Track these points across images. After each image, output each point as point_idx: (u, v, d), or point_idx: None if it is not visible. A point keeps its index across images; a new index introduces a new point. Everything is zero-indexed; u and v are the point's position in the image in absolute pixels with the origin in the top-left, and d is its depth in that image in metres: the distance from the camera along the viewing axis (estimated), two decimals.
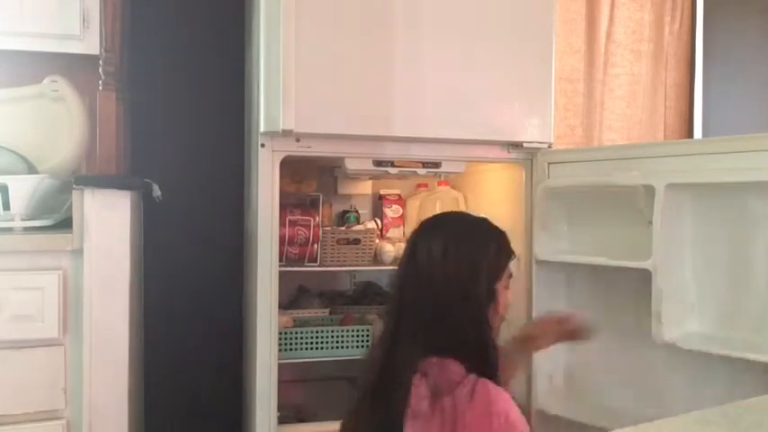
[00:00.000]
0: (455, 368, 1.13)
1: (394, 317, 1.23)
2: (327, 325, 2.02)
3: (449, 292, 1.17)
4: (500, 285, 1.23)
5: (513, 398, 1.13)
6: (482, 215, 1.33)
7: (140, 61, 2.11)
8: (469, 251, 1.20)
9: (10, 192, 1.52)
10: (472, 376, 1.12)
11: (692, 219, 1.61)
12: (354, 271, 2.31)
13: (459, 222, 1.30)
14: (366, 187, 2.37)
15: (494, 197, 2.21)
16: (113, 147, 1.74)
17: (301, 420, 2.04)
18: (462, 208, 2.33)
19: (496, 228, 1.27)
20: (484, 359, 1.15)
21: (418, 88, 1.79)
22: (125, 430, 1.55)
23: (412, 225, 2.31)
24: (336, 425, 1.56)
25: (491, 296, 1.21)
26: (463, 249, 1.20)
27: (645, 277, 1.55)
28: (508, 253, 1.26)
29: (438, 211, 2.28)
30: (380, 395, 1.15)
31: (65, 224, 1.60)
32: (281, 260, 1.84)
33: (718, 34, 2.97)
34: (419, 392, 1.12)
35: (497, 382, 1.14)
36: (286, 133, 1.68)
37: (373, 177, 2.26)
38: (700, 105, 2.96)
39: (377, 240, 2.12)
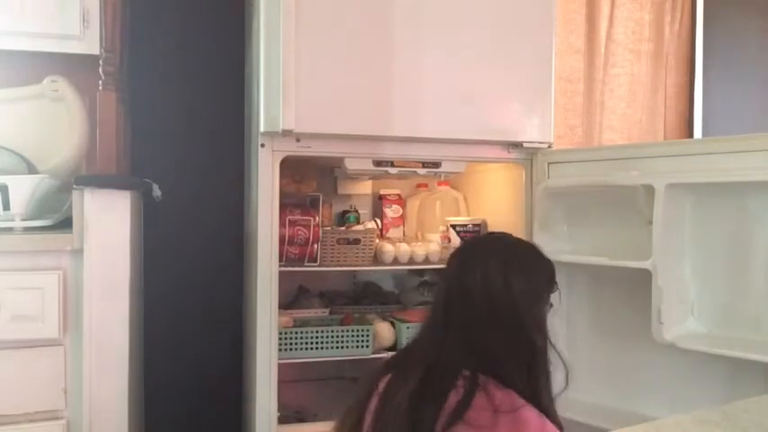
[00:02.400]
0: (515, 397, 1.10)
1: (439, 334, 1.20)
2: (327, 325, 2.02)
3: (507, 316, 1.16)
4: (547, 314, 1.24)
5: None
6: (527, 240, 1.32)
7: (140, 61, 2.11)
8: (529, 278, 1.20)
9: (10, 192, 1.52)
10: (525, 406, 1.10)
11: (692, 219, 1.61)
12: (354, 271, 2.31)
13: (515, 246, 1.28)
14: (366, 187, 2.37)
15: (494, 197, 2.21)
16: (113, 147, 1.73)
17: (301, 420, 2.04)
18: (462, 208, 2.33)
19: (547, 258, 1.28)
20: (535, 384, 1.15)
21: (418, 88, 1.79)
22: (125, 430, 1.55)
23: (412, 225, 2.32)
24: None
25: (543, 323, 1.21)
26: (522, 276, 1.19)
27: (645, 277, 1.55)
28: (555, 284, 1.27)
29: (438, 210, 2.29)
30: (424, 400, 1.11)
31: (65, 224, 1.60)
32: (281, 260, 1.84)
33: (718, 34, 2.97)
34: (477, 404, 1.08)
35: (545, 410, 1.13)
36: (286, 133, 1.68)
37: (373, 177, 2.26)
38: (700, 105, 2.96)
39: (377, 240, 2.12)
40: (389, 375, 1.19)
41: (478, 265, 1.21)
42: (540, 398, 1.14)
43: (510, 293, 1.17)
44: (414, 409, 1.10)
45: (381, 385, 1.19)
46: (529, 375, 1.15)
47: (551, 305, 1.26)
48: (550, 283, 1.25)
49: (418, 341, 1.25)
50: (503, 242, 1.29)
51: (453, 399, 1.08)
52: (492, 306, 1.16)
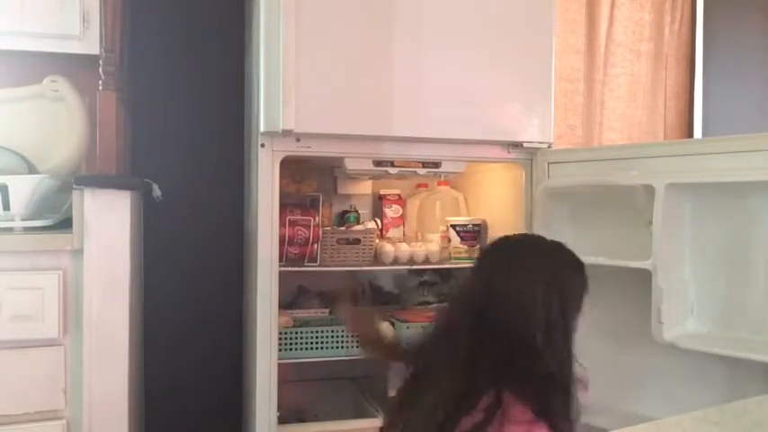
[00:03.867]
0: (529, 412, 1.08)
1: (466, 338, 1.15)
2: (327, 325, 2.02)
3: (538, 323, 1.12)
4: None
5: None
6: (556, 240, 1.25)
7: (140, 61, 2.11)
8: (566, 300, 1.16)
9: (10, 192, 1.52)
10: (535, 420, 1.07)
11: (691, 219, 1.61)
12: (354, 271, 2.31)
13: (557, 263, 1.21)
14: (366, 187, 2.37)
15: (494, 197, 2.21)
16: (113, 147, 1.73)
17: (301, 420, 2.04)
18: (462, 208, 2.33)
19: (585, 274, 1.22)
20: (565, 395, 1.12)
21: (418, 88, 1.79)
22: (125, 430, 1.55)
23: (412, 225, 2.32)
24: (336, 425, 1.56)
25: (570, 339, 1.16)
26: (560, 297, 1.15)
27: (645, 277, 1.55)
28: (587, 285, 1.22)
29: (438, 210, 2.29)
30: (455, 409, 1.10)
31: (65, 224, 1.60)
32: (281, 260, 1.84)
33: (718, 34, 2.97)
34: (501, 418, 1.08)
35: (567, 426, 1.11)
36: (286, 133, 1.68)
37: (373, 177, 2.26)
38: (700, 105, 2.96)
39: (377, 240, 2.12)
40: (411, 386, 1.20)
41: (515, 276, 1.16)
42: (556, 418, 1.11)
43: (546, 313, 1.12)
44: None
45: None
46: (548, 393, 1.11)
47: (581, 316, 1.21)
48: (582, 299, 1.21)
49: (439, 349, 1.21)
50: (542, 251, 1.22)
51: (469, 421, 1.07)
52: (523, 321, 1.12)
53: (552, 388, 1.12)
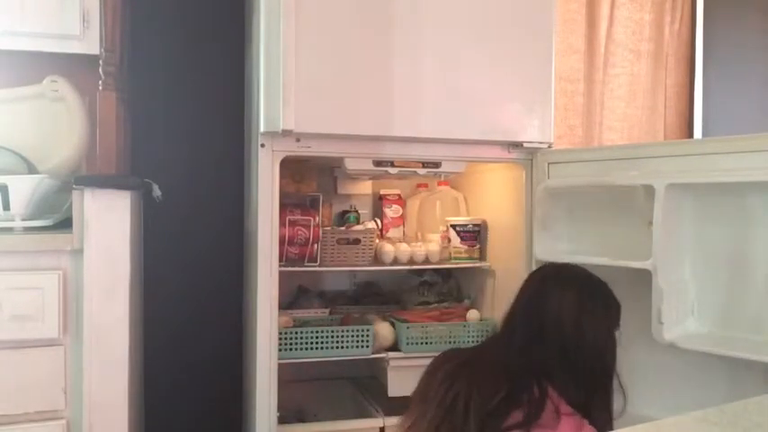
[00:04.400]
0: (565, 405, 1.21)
1: (516, 346, 1.32)
2: (327, 325, 2.02)
3: (574, 345, 1.29)
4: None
5: None
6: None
7: (140, 61, 2.11)
8: (597, 315, 1.34)
9: (10, 192, 1.52)
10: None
11: (692, 219, 1.61)
12: (354, 271, 2.31)
13: (590, 284, 1.39)
14: (366, 187, 2.37)
15: (494, 197, 2.21)
16: (113, 147, 1.74)
17: (301, 420, 2.04)
18: (462, 208, 2.33)
19: (616, 298, 1.40)
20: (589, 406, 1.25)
21: (418, 88, 1.79)
22: (125, 430, 1.55)
23: (412, 225, 2.32)
24: (336, 425, 1.57)
25: (606, 353, 1.33)
26: (591, 313, 1.33)
27: (645, 277, 1.55)
28: (618, 323, 1.39)
29: (438, 210, 2.29)
30: (505, 404, 1.20)
31: (65, 224, 1.60)
32: (281, 260, 1.84)
33: (718, 34, 2.97)
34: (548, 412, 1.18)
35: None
36: (286, 133, 1.68)
37: (373, 177, 2.26)
38: (700, 105, 2.96)
39: (377, 240, 2.12)
40: (457, 382, 1.26)
41: (553, 294, 1.34)
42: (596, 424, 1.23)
43: (578, 326, 1.30)
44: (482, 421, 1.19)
45: (446, 387, 1.27)
46: (585, 401, 1.25)
47: (618, 335, 1.37)
48: (616, 320, 1.37)
49: (490, 349, 1.39)
50: (579, 278, 1.40)
51: (519, 414, 1.17)
52: (561, 333, 1.29)
53: (589, 396, 1.26)
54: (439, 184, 2.30)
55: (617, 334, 1.35)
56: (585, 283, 1.38)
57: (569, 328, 1.29)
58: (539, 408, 1.17)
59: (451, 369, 1.29)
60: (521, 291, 1.41)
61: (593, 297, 1.35)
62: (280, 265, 1.78)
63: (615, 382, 1.34)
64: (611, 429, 1.26)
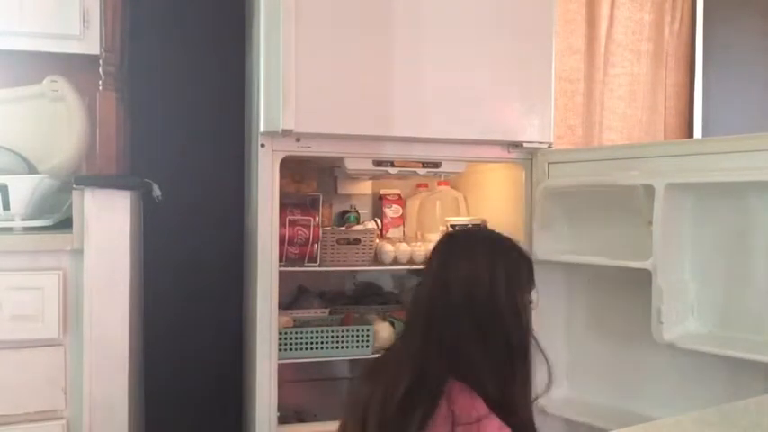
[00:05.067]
0: (480, 404, 1.08)
1: (422, 331, 1.18)
2: (327, 325, 2.02)
3: (486, 313, 1.15)
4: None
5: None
6: (508, 234, 1.30)
7: (140, 61, 2.11)
8: (510, 275, 1.18)
9: (10, 192, 1.52)
10: (490, 416, 1.08)
11: (692, 219, 1.61)
12: (354, 271, 2.31)
13: (497, 242, 1.25)
14: (366, 187, 2.37)
15: (494, 197, 2.21)
16: (113, 147, 1.74)
17: (301, 420, 2.04)
18: (462, 208, 2.33)
19: (527, 253, 1.26)
20: (510, 388, 1.13)
21: (418, 88, 1.79)
22: (125, 430, 1.55)
23: (412, 225, 2.32)
24: (336, 425, 1.54)
25: (523, 319, 1.18)
26: (504, 273, 1.17)
27: (645, 277, 1.55)
28: (533, 281, 1.25)
29: (438, 210, 2.29)
30: (406, 403, 1.09)
31: (65, 224, 1.60)
32: (281, 260, 1.84)
33: (718, 34, 2.96)
34: (441, 413, 1.07)
35: (518, 413, 1.12)
36: (286, 133, 1.68)
37: (373, 177, 2.26)
38: (700, 105, 2.96)
39: (377, 240, 2.12)
40: (368, 387, 1.17)
41: (462, 260, 1.19)
42: (514, 402, 1.12)
43: (492, 290, 1.15)
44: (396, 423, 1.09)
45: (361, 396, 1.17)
46: (504, 378, 1.13)
47: (531, 301, 1.23)
48: (530, 279, 1.23)
49: (396, 346, 1.25)
50: (484, 237, 1.27)
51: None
52: (472, 302, 1.15)
53: (508, 372, 1.13)
54: (439, 184, 2.30)
55: (532, 294, 1.22)
56: (489, 242, 1.24)
57: (480, 296, 1.14)
58: (427, 414, 1.06)
59: (365, 371, 1.23)
60: (425, 268, 1.26)
61: (501, 257, 1.20)
62: (280, 265, 1.78)
63: (536, 354, 1.20)
64: (530, 412, 1.17)
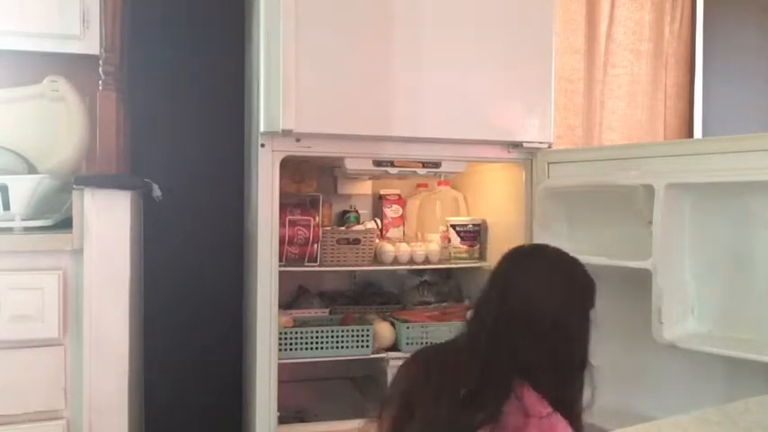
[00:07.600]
0: (546, 404, 1.14)
1: (488, 338, 1.21)
2: (327, 325, 2.02)
3: (550, 329, 1.19)
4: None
5: None
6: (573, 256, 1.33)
7: (140, 61, 2.11)
8: (571, 294, 1.24)
9: (10, 192, 1.52)
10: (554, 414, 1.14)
11: (691, 218, 1.61)
12: (354, 271, 2.31)
13: (559, 262, 1.30)
14: (366, 187, 2.37)
15: (494, 197, 2.21)
16: (113, 147, 1.74)
17: (301, 420, 2.04)
18: (462, 208, 2.33)
19: (589, 275, 1.30)
20: (570, 394, 1.19)
21: (418, 88, 1.79)
22: (125, 430, 1.55)
23: (412, 225, 2.32)
24: (336, 425, 1.55)
25: (583, 338, 1.24)
26: (565, 292, 1.24)
27: (645, 277, 1.55)
28: (593, 301, 1.29)
29: (438, 211, 2.29)
30: (474, 400, 1.14)
31: (65, 224, 1.60)
32: (281, 260, 1.84)
33: (718, 34, 2.96)
34: (513, 407, 1.13)
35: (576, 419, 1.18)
36: (286, 133, 1.68)
37: (373, 177, 2.26)
38: (700, 105, 2.96)
39: (377, 240, 2.12)
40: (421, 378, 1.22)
41: (523, 277, 1.25)
42: (572, 409, 1.19)
43: (553, 308, 1.20)
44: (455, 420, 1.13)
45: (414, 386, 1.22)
46: (564, 385, 1.19)
47: (592, 321, 1.27)
48: (591, 300, 1.28)
49: (452, 347, 1.29)
50: (547, 256, 1.30)
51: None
52: (535, 319, 1.19)
53: (569, 382, 1.20)
54: (439, 184, 2.30)
55: (592, 314, 1.26)
56: (556, 261, 1.28)
57: (545, 313, 1.19)
58: (497, 408, 1.12)
59: (414, 366, 1.27)
60: (491, 277, 1.29)
61: (567, 277, 1.25)
62: (280, 265, 1.79)
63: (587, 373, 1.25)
64: (582, 421, 1.23)
